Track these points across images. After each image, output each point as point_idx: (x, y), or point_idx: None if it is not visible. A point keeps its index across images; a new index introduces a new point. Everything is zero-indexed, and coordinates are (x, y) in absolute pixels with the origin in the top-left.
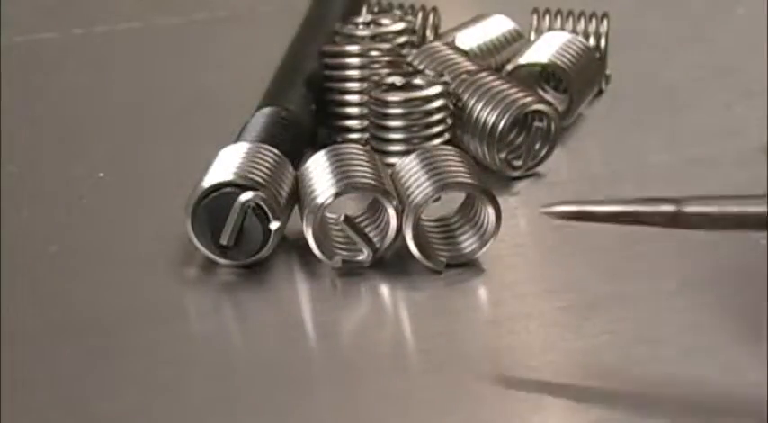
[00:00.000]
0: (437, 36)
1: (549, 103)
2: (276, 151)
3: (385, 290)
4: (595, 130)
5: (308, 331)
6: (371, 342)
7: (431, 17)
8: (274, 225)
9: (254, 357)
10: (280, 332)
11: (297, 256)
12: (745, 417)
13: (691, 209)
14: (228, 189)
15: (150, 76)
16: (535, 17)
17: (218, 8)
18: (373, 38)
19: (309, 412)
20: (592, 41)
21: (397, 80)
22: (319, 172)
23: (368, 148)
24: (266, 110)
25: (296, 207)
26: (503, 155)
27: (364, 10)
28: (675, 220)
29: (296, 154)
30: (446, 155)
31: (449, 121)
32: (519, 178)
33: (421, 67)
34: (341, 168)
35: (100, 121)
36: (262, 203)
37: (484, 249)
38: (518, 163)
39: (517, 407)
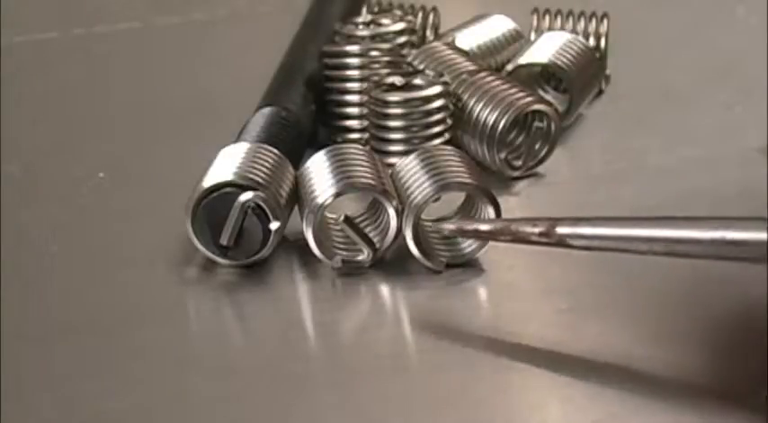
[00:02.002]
0: (437, 36)
1: (549, 103)
2: (276, 151)
3: (385, 290)
4: (595, 130)
5: (308, 331)
6: (371, 342)
7: (431, 17)
8: (274, 225)
9: (254, 357)
10: (280, 332)
11: (297, 256)
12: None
13: (563, 230)
14: (228, 189)
15: (150, 76)
16: (535, 17)
17: (218, 8)
18: (373, 38)
19: (309, 412)
20: (592, 41)
21: (397, 80)
22: (319, 172)
23: (368, 148)
24: (266, 110)
25: (296, 207)
26: (503, 155)
27: (364, 10)
28: (549, 239)
29: (296, 154)
30: (446, 155)
31: (449, 121)
32: (519, 178)
33: (421, 67)
34: (341, 168)
35: (100, 121)
36: (262, 203)
37: (484, 249)
38: (518, 163)
39: (517, 407)
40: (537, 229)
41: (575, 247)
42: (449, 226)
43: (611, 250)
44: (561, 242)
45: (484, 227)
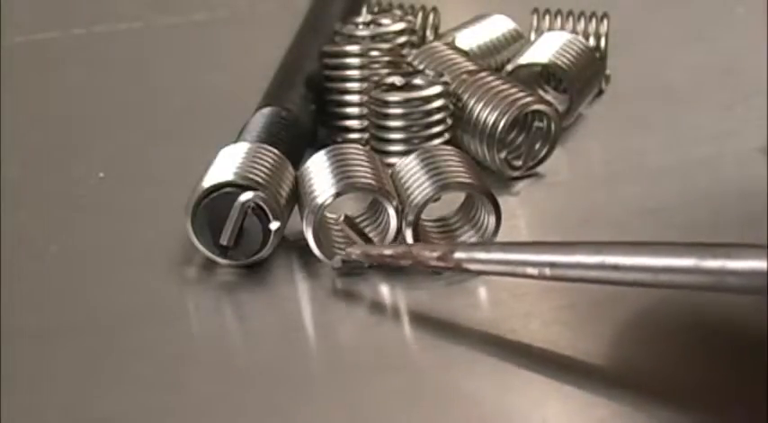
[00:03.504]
0: (437, 36)
1: (549, 103)
2: (276, 151)
3: (385, 290)
4: (595, 130)
5: (308, 331)
6: (371, 342)
7: (431, 17)
8: (274, 225)
9: (254, 357)
10: (280, 332)
11: (297, 256)
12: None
13: (459, 255)
14: (228, 189)
15: (150, 76)
16: (535, 17)
17: (218, 8)
18: (373, 38)
19: (309, 412)
20: (592, 41)
21: (397, 80)
22: (319, 172)
23: (368, 148)
24: (266, 110)
25: (296, 207)
26: (503, 155)
27: (364, 10)
28: (447, 263)
29: (296, 154)
30: (446, 155)
31: (449, 121)
32: (519, 178)
33: (421, 67)
34: (341, 168)
35: (100, 121)
36: (262, 203)
37: None
38: (518, 163)
39: (517, 406)
40: (435, 254)
41: (471, 271)
42: (355, 251)
43: (506, 275)
44: (458, 266)
45: (387, 251)
